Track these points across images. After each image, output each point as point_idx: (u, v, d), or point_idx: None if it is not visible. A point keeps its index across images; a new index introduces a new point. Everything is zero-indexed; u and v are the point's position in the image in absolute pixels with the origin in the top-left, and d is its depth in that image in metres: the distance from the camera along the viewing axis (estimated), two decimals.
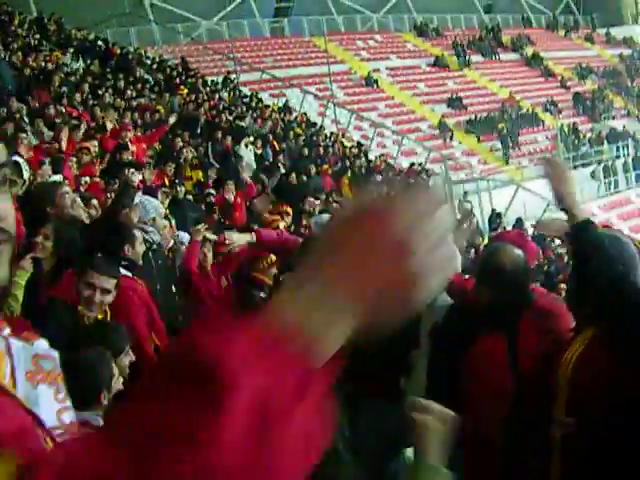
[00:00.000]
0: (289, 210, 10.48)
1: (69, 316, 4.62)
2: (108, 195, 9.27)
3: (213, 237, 7.52)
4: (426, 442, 2.17)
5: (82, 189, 8.86)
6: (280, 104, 27.73)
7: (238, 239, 7.16)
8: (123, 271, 5.36)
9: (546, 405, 3.46)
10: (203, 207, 11.63)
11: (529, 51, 45.38)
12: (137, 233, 5.91)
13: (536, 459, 3.58)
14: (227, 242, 7.10)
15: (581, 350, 3.36)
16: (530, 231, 22.13)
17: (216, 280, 7.32)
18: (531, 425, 3.71)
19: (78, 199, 6.53)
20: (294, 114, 26.67)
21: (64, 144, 11.11)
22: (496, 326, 4.01)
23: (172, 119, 15.19)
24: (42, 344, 1.52)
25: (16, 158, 5.89)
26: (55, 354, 1.53)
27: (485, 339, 4.04)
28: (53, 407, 1.47)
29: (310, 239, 6.07)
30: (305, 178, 16.04)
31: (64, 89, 16.12)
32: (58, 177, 8.63)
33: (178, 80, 23.42)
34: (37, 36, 22.23)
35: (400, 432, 5.04)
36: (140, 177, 9.65)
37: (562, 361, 3.41)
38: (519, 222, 21.99)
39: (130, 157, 11.92)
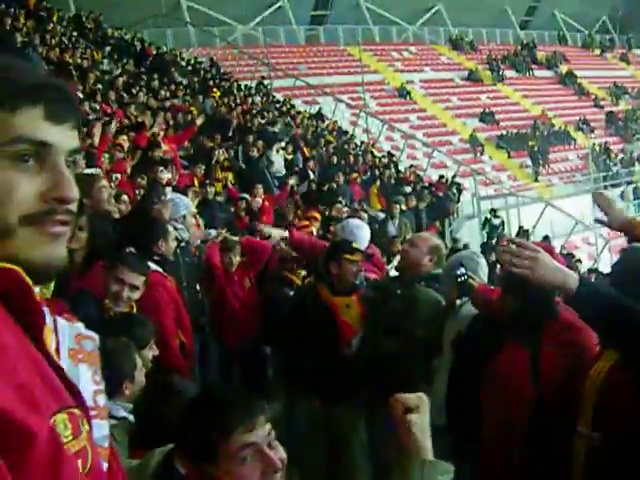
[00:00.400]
0: (318, 216, 10.53)
1: (95, 309, 4.63)
2: (137, 192, 9.36)
3: (234, 238, 7.57)
4: (415, 439, 2.16)
5: (112, 185, 8.91)
6: (313, 111, 27.77)
7: (273, 232, 7.29)
8: (153, 266, 5.36)
9: (568, 418, 3.46)
10: (232, 209, 11.69)
11: (563, 69, 45.15)
12: (170, 228, 5.94)
13: (556, 472, 3.58)
14: (263, 231, 7.22)
15: (609, 366, 3.35)
16: (558, 249, 22.12)
17: (240, 281, 7.35)
18: (552, 437, 3.71)
19: (124, 196, 6.59)
20: (326, 122, 26.71)
21: (97, 139, 11.21)
22: (519, 337, 4.01)
23: (199, 120, 15.26)
24: (81, 326, 1.54)
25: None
26: (96, 336, 1.57)
27: (508, 349, 4.05)
28: (91, 387, 1.50)
29: (335, 244, 6.09)
30: (335, 186, 16.04)
31: (99, 86, 16.25)
32: (94, 170, 8.70)
33: (212, 83, 23.54)
34: (74, 33, 22.42)
35: None
36: (169, 175, 9.70)
37: (589, 375, 3.41)
38: (546, 239, 21.88)
39: (161, 155, 12.01)
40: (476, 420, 4.14)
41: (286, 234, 7.13)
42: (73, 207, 1.27)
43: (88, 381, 1.49)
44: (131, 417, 3.49)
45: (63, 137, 1.27)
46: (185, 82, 22.24)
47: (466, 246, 19.71)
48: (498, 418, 3.99)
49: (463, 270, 4.80)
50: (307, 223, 9.64)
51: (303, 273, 7.33)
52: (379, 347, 5.14)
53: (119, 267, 4.73)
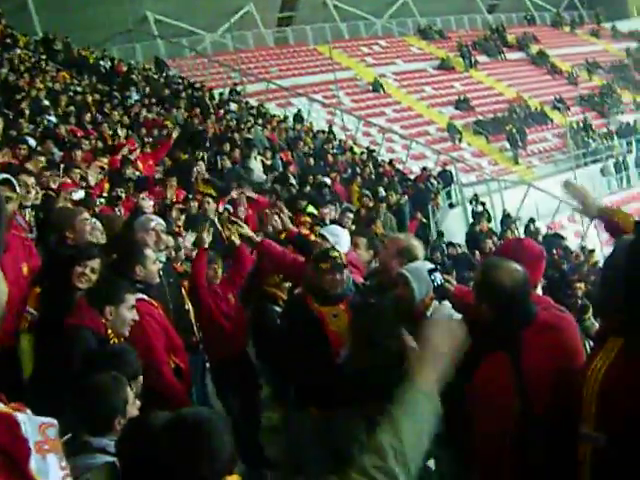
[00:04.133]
0: (308, 219, 10.54)
1: (94, 341, 4.67)
2: (116, 210, 9.27)
3: (244, 230, 7.52)
4: (419, 366, 2.19)
5: (97, 209, 8.85)
6: (287, 113, 27.72)
7: (245, 229, 7.30)
8: (139, 295, 5.31)
9: (569, 420, 3.37)
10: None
11: (535, 49, 45.29)
12: (148, 252, 5.85)
13: (561, 475, 3.51)
14: (236, 222, 7.15)
15: (609, 362, 3.22)
16: (543, 230, 22.18)
17: (224, 296, 7.31)
18: (542, 446, 3.64)
19: (98, 224, 6.54)
20: (303, 123, 26.69)
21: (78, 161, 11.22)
22: (499, 344, 3.89)
23: (175, 133, 15.17)
24: (38, 417, 1.54)
25: (5, 175, 5.87)
26: (55, 421, 1.57)
27: (488, 357, 3.92)
28: (59, 474, 1.52)
29: (312, 254, 5.99)
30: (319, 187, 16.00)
31: (71, 108, 16.20)
32: (81, 193, 8.64)
33: (184, 94, 23.45)
34: (43, 57, 22.33)
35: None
36: (152, 203, 9.64)
37: (588, 374, 3.28)
38: (531, 222, 21.93)
39: (136, 172, 11.96)
40: (463, 429, 4.07)
41: (256, 237, 7.18)
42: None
43: (56, 470, 1.50)
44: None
45: None
46: (158, 95, 22.16)
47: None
48: (484, 430, 3.91)
49: (438, 275, 4.71)
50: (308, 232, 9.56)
51: (287, 285, 7.27)
52: (360, 360, 5.06)
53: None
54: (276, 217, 7.20)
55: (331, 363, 5.31)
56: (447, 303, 4.72)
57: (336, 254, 5.65)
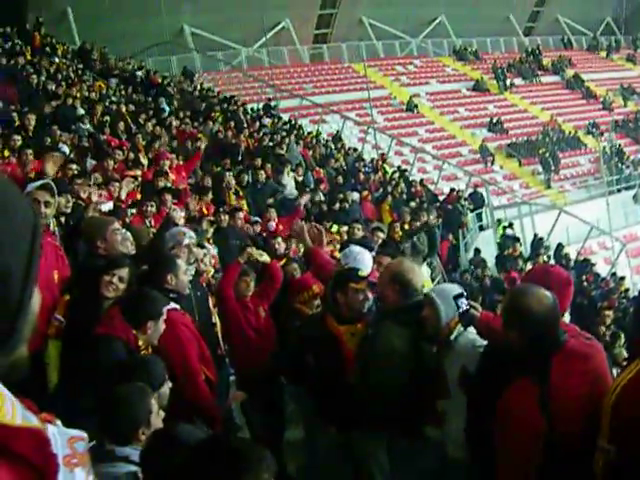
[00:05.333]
0: (337, 237, 10.54)
1: (123, 350, 4.69)
2: (147, 222, 9.31)
3: (264, 257, 7.53)
4: None
5: (128, 220, 8.90)
6: (320, 130, 27.78)
7: (264, 257, 7.34)
8: (172, 304, 5.33)
9: (587, 449, 3.40)
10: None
11: (570, 73, 45.06)
12: (180, 262, 5.87)
13: None
14: (253, 254, 7.17)
15: (628, 377, 3.34)
16: (573, 256, 22.02)
17: (254, 310, 7.27)
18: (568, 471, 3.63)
19: (128, 234, 6.58)
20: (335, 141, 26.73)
21: (110, 172, 11.29)
22: (527, 370, 3.87)
23: (202, 145, 15.20)
24: (69, 430, 1.54)
25: (45, 180, 5.93)
26: (85, 435, 1.56)
27: (516, 385, 3.90)
28: None
29: (341, 272, 5.97)
30: (347, 205, 15.99)
31: (107, 118, 16.33)
32: (110, 205, 8.68)
33: (218, 107, 23.58)
34: (80, 66, 22.58)
35: (435, 467, 4.98)
36: (183, 213, 9.68)
37: (610, 390, 3.40)
38: (560, 247, 21.79)
39: (168, 183, 12.02)
40: (491, 457, 4.04)
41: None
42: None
43: None
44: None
45: None
46: (192, 108, 22.31)
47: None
48: (511, 455, 3.89)
49: (463, 300, 4.65)
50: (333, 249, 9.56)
51: (317, 303, 7.25)
52: (366, 387, 5.03)
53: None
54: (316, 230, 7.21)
55: (347, 382, 5.26)
56: (472, 329, 4.67)
57: (364, 274, 5.65)
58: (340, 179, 19.62)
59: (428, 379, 4.82)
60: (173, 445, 3.28)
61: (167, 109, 21.09)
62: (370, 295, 5.54)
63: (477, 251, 20.53)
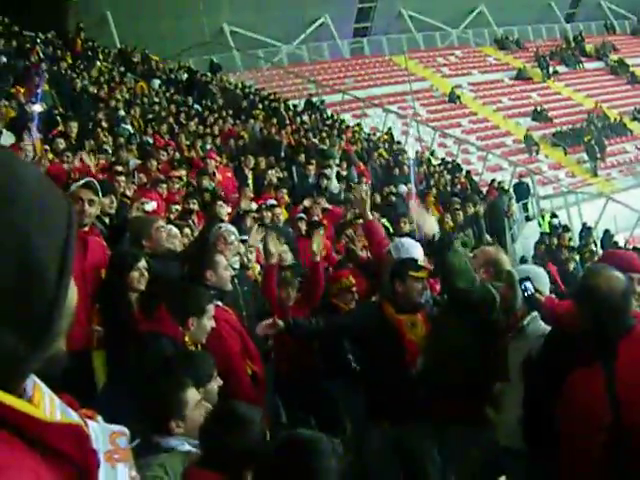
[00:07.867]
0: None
1: (171, 346, 4.71)
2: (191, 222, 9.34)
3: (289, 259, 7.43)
4: None
5: (171, 216, 8.96)
6: (363, 124, 27.69)
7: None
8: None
9: None
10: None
11: (614, 58, 44.37)
12: (219, 258, 5.86)
13: None
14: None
15: None
16: (622, 243, 21.67)
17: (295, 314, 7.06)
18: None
19: (174, 230, 6.60)
20: (377, 134, 26.63)
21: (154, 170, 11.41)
22: (593, 354, 3.81)
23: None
24: (111, 426, 1.56)
25: (88, 179, 5.96)
26: (126, 430, 1.57)
27: (582, 370, 3.85)
28: None
29: (400, 261, 5.92)
30: (393, 199, 15.90)
31: (148, 117, 16.46)
32: (153, 204, 8.73)
33: (260, 105, 23.65)
34: (122, 68, 22.79)
35: (489, 458, 4.92)
36: (229, 209, 9.69)
37: None
38: (608, 235, 21.46)
39: (212, 184, 12.05)
40: (555, 444, 3.98)
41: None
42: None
43: (126, 479, 1.51)
44: (194, 450, 3.57)
45: None
46: (234, 106, 22.39)
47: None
48: (574, 443, 3.82)
49: (529, 284, 4.62)
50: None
51: (350, 297, 7.09)
52: (434, 374, 4.99)
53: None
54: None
55: (405, 371, 5.22)
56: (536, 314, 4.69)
57: (423, 264, 5.64)
58: (383, 173, 19.54)
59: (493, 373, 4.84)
60: (234, 422, 3.44)
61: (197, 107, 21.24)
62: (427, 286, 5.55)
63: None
